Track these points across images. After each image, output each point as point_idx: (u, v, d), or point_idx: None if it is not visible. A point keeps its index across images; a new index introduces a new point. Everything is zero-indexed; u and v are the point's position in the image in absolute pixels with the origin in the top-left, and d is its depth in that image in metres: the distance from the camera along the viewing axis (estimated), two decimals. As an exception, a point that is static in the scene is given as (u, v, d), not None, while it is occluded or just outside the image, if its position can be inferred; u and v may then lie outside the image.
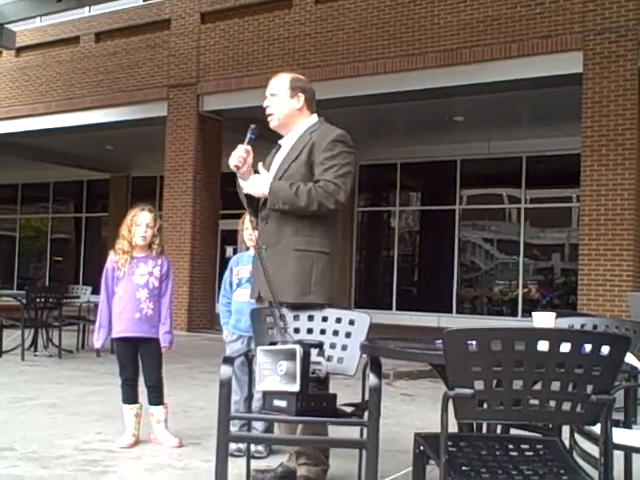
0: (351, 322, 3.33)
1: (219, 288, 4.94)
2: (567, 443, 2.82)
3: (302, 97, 3.63)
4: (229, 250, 15.98)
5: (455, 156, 15.23)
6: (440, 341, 2.40)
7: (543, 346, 2.22)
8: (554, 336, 2.25)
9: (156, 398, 4.50)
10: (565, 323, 3.35)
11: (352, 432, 3.36)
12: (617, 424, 2.82)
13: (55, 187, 21.35)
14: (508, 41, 10.56)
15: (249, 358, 3.38)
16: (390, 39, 11.50)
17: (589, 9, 10.00)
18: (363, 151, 14.33)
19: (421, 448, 2.56)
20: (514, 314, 14.59)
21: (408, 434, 4.25)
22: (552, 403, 2.31)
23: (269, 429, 4.20)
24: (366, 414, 2.90)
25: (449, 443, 2.37)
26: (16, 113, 15.77)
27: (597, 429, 2.43)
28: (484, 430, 2.83)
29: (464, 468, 2.39)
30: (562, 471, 2.43)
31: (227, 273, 4.70)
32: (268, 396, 2.95)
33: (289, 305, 3.37)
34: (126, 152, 17.97)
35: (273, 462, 3.95)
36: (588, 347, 2.25)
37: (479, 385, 2.27)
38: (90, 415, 5.30)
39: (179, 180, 13.54)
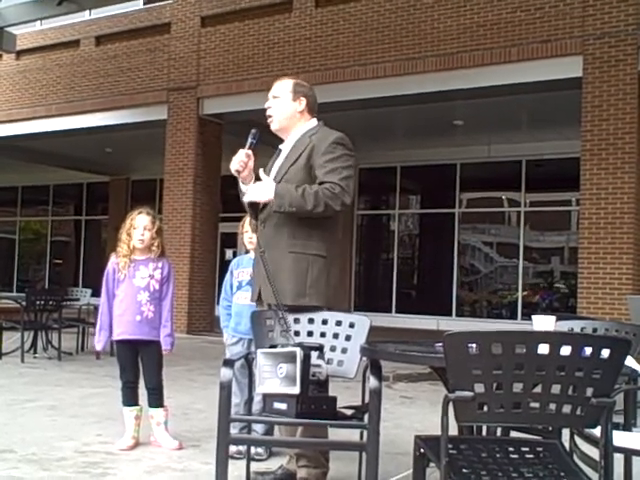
0: (351, 325, 3.34)
1: (219, 291, 4.94)
2: (567, 446, 2.83)
3: (304, 101, 3.66)
4: (229, 253, 15.99)
5: (455, 159, 15.24)
6: (440, 344, 2.41)
7: (543, 349, 2.23)
8: (554, 339, 2.26)
9: (156, 400, 4.50)
10: (565, 326, 3.36)
11: (352, 435, 3.36)
12: (617, 427, 2.82)
13: (55, 190, 21.36)
14: (508, 45, 10.58)
15: (249, 361, 3.39)
16: (390, 43, 11.52)
17: (589, 14, 10.01)
18: (363, 154, 14.35)
19: (421, 451, 2.56)
20: (514, 317, 14.59)
21: (408, 436, 4.25)
22: (552, 406, 2.31)
23: (269, 431, 4.20)
24: (366, 417, 2.90)
25: (449, 446, 2.37)
26: (16, 116, 15.78)
27: (597, 432, 2.43)
28: (484, 433, 2.83)
29: (464, 470, 2.39)
30: (562, 474, 2.44)
31: (227, 276, 4.71)
32: (268, 399, 2.96)
33: (286, 307, 3.38)
34: (126, 155, 17.98)
35: (273, 464, 3.96)
36: (588, 350, 2.25)
37: (479, 388, 2.27)
38: (90, 417, 5.30)
39: (179, 183, 13.54)
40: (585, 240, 9.85)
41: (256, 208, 3.61)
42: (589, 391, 2.29)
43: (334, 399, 3.00)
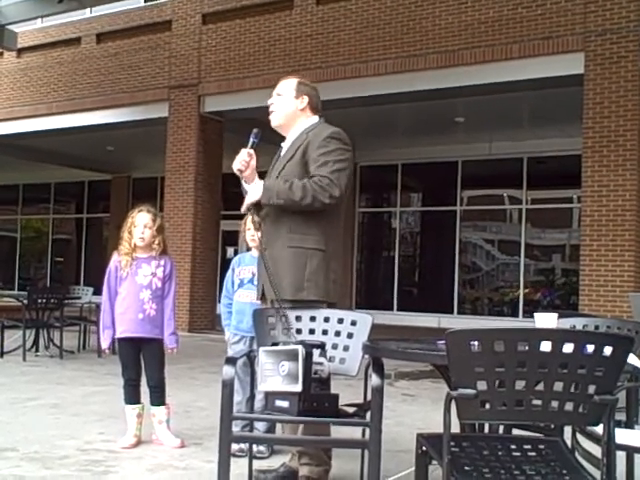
0: (353, 323, 3.34)
1: (220, 289, 4.94)
2: (569, 443, 2.83)
3: (306, 99, 3.69)
4: (230, 251, 16.00)
5: (456, 157, 15.23)
6: (442, 342, 2.40)
7: (546, 347, 2.23)
8: (557, 337, 2.26)
9: (158, 398, 4.50)
10: (567, 324, 3.35)
11: (354, 432, 3.36)
12: (619, 424, 2.82)
13: (56, 188, 21.37)
14: (509, 42, 10.57)
15: (251, 359, 3.39)
16: (391, 40, 11.51)
17: (590, 10, 10.00)
18: (364, 152, 14.36)
19: (423, 448, 2.56)
20: (515, 315, 14.59)
21: (409, 434, 4.25)
22: (555, 403, 2.31)
23: (271, 429, 4.20)
24: (368, 414, 2.90)
25: (451, 443, 2.37)
26: (17, 114, 15.78)
27: (599, 429, 2.43)
28: (486, 430, 2.83)
29: (467, 468, 2.39)
30: (564, 471, 2.44)
31: (229, 273, 4.70)
32: (270, 396, 2.96)
33: (286, 302, 3.38)
34: (127, 153, 17.99)
35: (275, 462, 3.96)
36: (591, 348, 2.25)
37: (482, 385, 2.27)
38: (92, 415, 5.31)
39: (180, 181, 13.54)
40: (587, 237, 9.85)
41: (259, 206, 3.62)
42: (591, 388, 2.28)
43: (336, 397, 3.00)
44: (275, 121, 3.71)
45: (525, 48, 10.43)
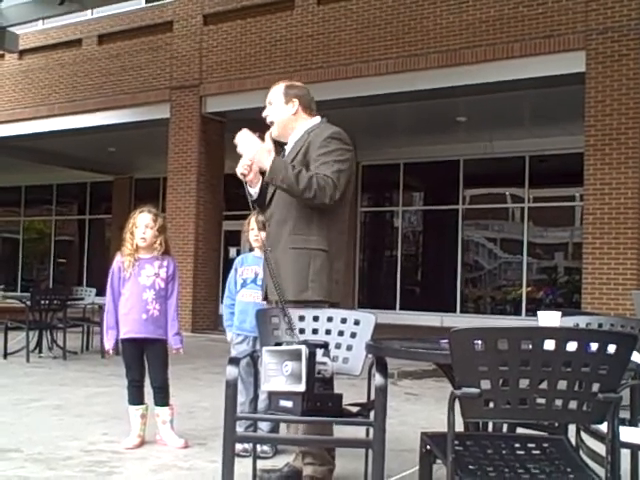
0: (356, 322, 3.33)
1: (223, 289, 4.94)
2: (573, 441, 2.82)
3: (296, 102, 3.67)
4: (232, 251, 15.98)
5: (458, 156, 15.22)
6: (445, 341, 2.40)
7: (549, 345, 2.22)
8: (561, 335, 2.25)
9: (162, 399, 4.51)
10: (570, 322, 3.35)
11: (358, 432, 3.36)
12: (623, 422, 2.82)
13: (58, 189, 21.38)
14: (510, 41, 10.56)
15: (254, 359, 3.39)
16: (392, 40, 11.50)
17: (591, 8, 9.99)
18: (366, 151, 14.35)
19: (428, 447, 2.56)
20: (518, 313, 14.58)
21: (413, 433, 4.26)
22: (558, 402, 2.31)
23: (275, 429, 4.20)
24: (372, 414, 2.90)
25: (455, 442, 2.37)
26: (19, 116, 15.80)
27: (603, 427, 2.43)
28: (490, 429, 2.83)
29: (471, 467, 2.39)
30: (569, 469, 2.43)
31: (232, 274, 4.70)
32: (274, 396, 2.96)
33: (290, 303, 3.39)
34: (129, 154, 17.99)
35: (279, 462, 3.96)
36: (594, 346, 2.25)
37: (486, 384, 2.27)
38: (95, 416, 5.31)
39: (182, 182, 13.55)
40: (589, 235, 9.84)
41: (263, 207, 3.62)
42: (595, 387, 2.28)
43: (340, 396, 2.99)
44: (274, 132, 3.69)
45: (526, 47, 10.43)
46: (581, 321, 3.50)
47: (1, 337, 8.64)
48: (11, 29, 13.05)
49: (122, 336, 4.50)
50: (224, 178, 13.65)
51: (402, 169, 16.10)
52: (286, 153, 3.70)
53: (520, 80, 10.58)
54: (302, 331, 3.34)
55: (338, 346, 3.31)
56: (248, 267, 4.58)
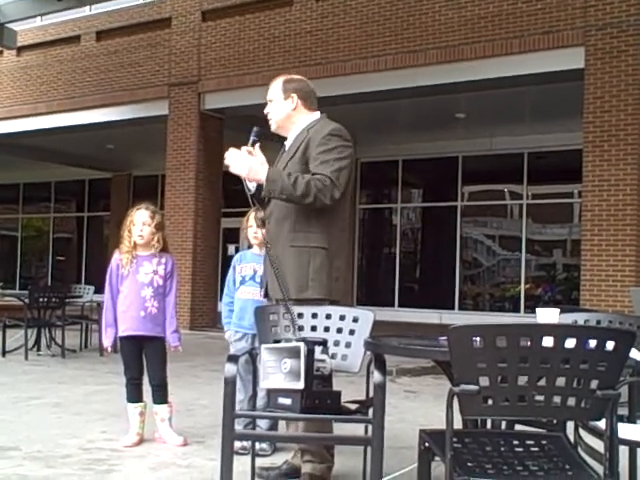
0: (355, 319, 3.33)
1: (221, 286, 4.94)
2: (572, 438, 2.82)
3: (295, 97, 3.65)
4: (231, 248, 15.98)
5: (457, 152, 15.21)
6: (444, 338, 2.40)
7: (548, 342, 2.22)
8: (559, 332, 2.25)
9: (160, 397, 4.50)
10: (569, 319, 3.35)
11: (356, 429, 3.36)
12: (622, 419, 2.82)
13: (57, 186, 21.36)
14: (509, 37, 10.56)
15: (253, 356, 3.39)
16: (391, 36, 11.50)
17: (590, 4, 9.98)
18: (365, 148, 14.35)
19: (426, 444, 2.56)
20: (516, 310, 14.58)
21: (412, 431, 4.26)
22: (557, 399, 2.31)
23: (273, 427, 4.20)
24: (370, 411, 2.90)
25: (454, 439, 2.37)
26: (17, 113, 15.78)
27: (602, 424, 2.43)
28: (489, 426, 2.83)
29: (469, 464, 2.39)
30: (567, 466, 2.44)
31: (230, 271, 4.69)
32: (272, 394, 2.95)
33: (291, 302, 3.38)
34: (127, 151, 17.98)
35: (278, 460, 3.96)
36: (593, 342, 2.25)
37: (484, 381, 2.27)
38: (94, 414, 5.31)
39: (181, 179, 13.54)
40: (588, 232, 9.84)
41: (262, 203, 3.62)
42: (594, 383, 2.28)
43: (338, 394, 2.99)
44: (273, 127, 3.70)
45: (525, 43, 10.42)
46: (580, 318, 3.50)
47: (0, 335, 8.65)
48: (9, 25, 13.03)
49: (120, 334, 4.50)
50: (223, 175, 13.64)
51: (401, 166, 16.09)
52: (285, 149, 3.69)
53: (519, 76, 10.58)
54: (301, 328, 3.34)
55: (337, 343, 3.31)
56: (247, 264, 4.57)
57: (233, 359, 2.98)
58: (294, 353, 2.83)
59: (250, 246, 4.64)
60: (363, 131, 13.48)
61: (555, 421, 2.86)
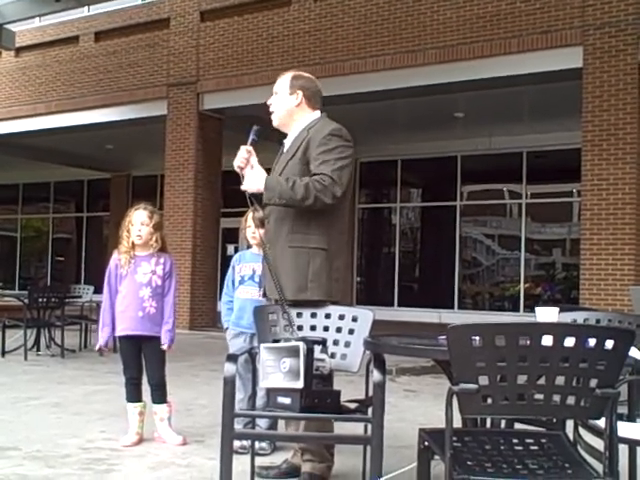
0: (354, 319, 3.33)
1: (221, 286, 4.94)
2: (571, 437, 2.83)
3: (300, 94, 3.63)
4: (230, 248, 15.99)
5: (455, 152, 15.22)
6: (443, 337, 2.40)
7: (547, 341, 2.22)
8: (558, 331, 2.25)
9: (159, 396, 4.50)
10: (568, 318, 3.35)
11: (356, 428, 3.36)
12: (621, 418, 2.82)
13: (56, 187, 21.36)
14: (508, 37, 10.56)
15: (252, 355, 3.39)
16: (389, 36, 11.50)
17: (588, 4, 9.99)
18: (364, 148, 14.34)
19: (426, 443, 2.56)
20: (516, 309, 14.59)
21: (411, 430, 4.26)
22: (556, 397, 2.31)
23: (273, 426, 4.20)
24: (370, 410, 2.90)
25: (454, 438, 2.37)
26: (16, 113, 15.77)
27: (601, 423, 2.43)
28: (488, 425, 2.83)
29: (469, 463, 2.39)
30: (567, 465, 2.44)
31: (229, 271, 4.69)
32: (272, 393, 2.96)
33: (289, 302, 3.38)
34: (126, 151, 17.98)
35: (277, 459, 3.96)
36: (592, 341, 2.25)
37: (483, 380, 2.27)
38: (94, 414, 5.31)
39: (180, 179, 13.54)
40: (587, 231, 9.85)
41: (261, 202, 3.61)
42: (593, 382, 2.28)
43: (338, 393, 2.99)
44: (274, 122, 3.69)
45: (524, 42, 10.43)
46: (579, 317, 3.50)
47: (-1, 335, 8.65)
48: (8, 26, 13.03)
49: (119, 333, 4.50)
50: (222, 175, 13.64)
51: (400, 165, 16.10)
52: (284, 150, 3.68)
53: (517, 76, 10.58)
54: (300, 328, 3.34)
55: (336, 343, 3.31)
56: (246, 264, 4.58)
57: (232, 359, 2.98)
58: (293, 352, 2.84)
59: (249, 246, 4.64)
60: (362, 131, 13.47)
61: (555, 420, 2.86)
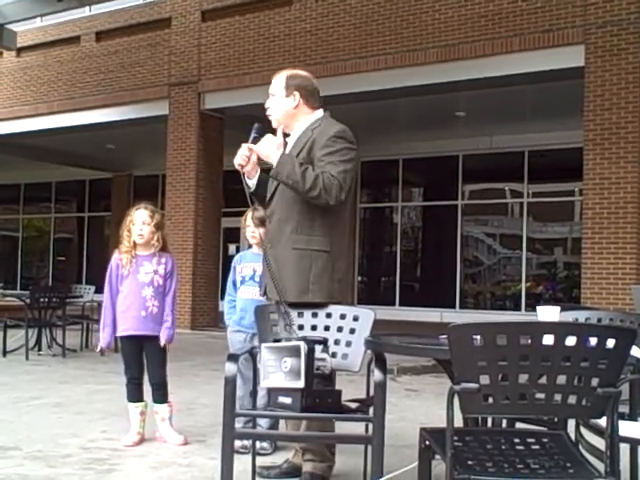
0: (355, 318, 3.33)
1: (222, 286, 4.94)
2: (573, 436, 2.82)
3: (297, 95, 3.56)
4: (232, 248, 15.98)
5: (457, 151, 15.21)
6: (445, 336, 2.40)
7: (548, 340, 2.22)
8: (560, 330, 2.25)
9: (161, 396, 4.50)
10: (569, 317, 3.34)
11: (357, 428, 3.36)
12: (623, 417, 2.81)
13: (57, 187, 21.37)
14: (509, 35, 10.55)
15: (253, 355, 3.38)
16: (391, 35, 11.49)
17: (590, 2, 9.97)
18: (365, 147, 14.31)
19: (427, 443, 2.55)
20: (517, 308, 14.58)
21: (412, 429, 4.25)
22: (558, 397, 2.30)
23: (274, 426, 4.20)
24: (371, 410, 2.90)
25: (455, 438, 2.37)
26: (18, 113, 15.78)
27: (603, 422, 2.42)
28: (489, 424, 2.83)
29: (470, 462, 2.38)
30: (568, 464, 2.43)
31: (231, 272, 4.69)
32: (273, 393, 2.95)
33: (290, 304, 3.37)
34: (128, 151, 17.98)
35: (278, 459, 3.96)
36: (593, 340, 2.24)
37: (485, 379, 2.26)
38: (95, 414, 5.31)
39: (181, 178, 13.54)
40: (589, 230, 9.84)
41: (263, 201, 3.60)
42: (595, 381, 2.28)
43: (339, 392, 2.99)
44: (274, 124, 3.63)
45: (525, 41, 10.41)
46: (580, 316, 3.49)
47: (0, 335, 8.64)
48: (9, 26, 13.04)
49: (121, 333, 4.49)
50: (223, 175, 13.64)
51: (401, 165, 16.09)
52: (288, 149, 3.63)
53: (519, 75, 10.57)
54: (301, 327, 3.34)
55: (337, 342, 3.30)
56: (247, 264, 4.57)
57: (233, 358, 2.98)
58: (294, 352, 2.83)
59: (250, 246, 4.64)
60: (363, 130, 13.45)
61: (556, 419, 2.86)
